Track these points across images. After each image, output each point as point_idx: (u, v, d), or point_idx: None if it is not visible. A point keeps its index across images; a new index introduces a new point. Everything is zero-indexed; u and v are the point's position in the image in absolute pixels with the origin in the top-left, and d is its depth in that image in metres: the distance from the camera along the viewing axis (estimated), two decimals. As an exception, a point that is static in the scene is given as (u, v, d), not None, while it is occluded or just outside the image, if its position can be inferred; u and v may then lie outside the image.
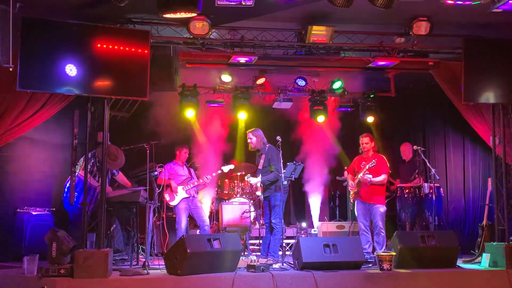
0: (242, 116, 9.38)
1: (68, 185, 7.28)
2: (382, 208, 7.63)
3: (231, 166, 8.82)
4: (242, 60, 7.44)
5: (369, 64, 7.72)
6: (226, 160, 9.71)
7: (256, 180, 7.67)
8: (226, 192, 9.48)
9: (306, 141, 10.27)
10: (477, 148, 9.38)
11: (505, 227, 7.11)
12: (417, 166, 9.01)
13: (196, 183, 8.40)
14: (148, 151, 7.27)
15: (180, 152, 8.50)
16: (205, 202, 9.60)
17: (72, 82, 6.10)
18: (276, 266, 6.66)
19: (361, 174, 7.62)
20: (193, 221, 8.56)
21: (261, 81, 9.00)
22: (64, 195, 7.30)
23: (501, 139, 7.33)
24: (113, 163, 7.40)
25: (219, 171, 8.74)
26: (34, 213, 7.64)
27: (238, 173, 9.30)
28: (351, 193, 7.97)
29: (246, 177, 8.33)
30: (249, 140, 7.78)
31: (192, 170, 8.71)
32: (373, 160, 7.55)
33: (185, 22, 6.78)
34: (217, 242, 6.24)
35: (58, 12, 6.47)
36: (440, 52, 7.82)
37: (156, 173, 7.87)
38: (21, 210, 7.61)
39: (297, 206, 10.90)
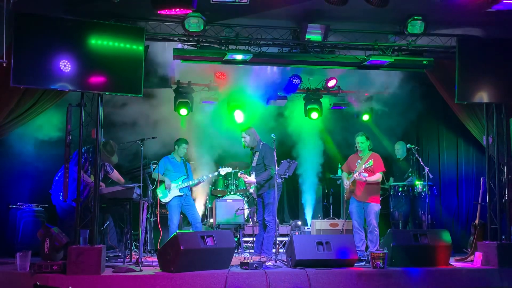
0: (238, 113, 9.37)
1: (56, 178, 7.24)
2: (376, 207, 7.67)
3: (229, 169, 8.74)
4: (237, 57, 7.43)
5: (363, 63, 7.73)
6: (221, 158, 9.69)
7: (251, 180, 7.65)
8: (220, 189, 9.47)
9: (300, 139, 10.27)
10: (470, 147, 9.40)
11: (497, 226, 7.14)
12: (411, 164, 9.05)
13: (191, 183, 8.35)
14: (142, 148, 7.25)
15: (178, 147, 8.43)
16: (199, 199, 9.59)
17: (66, 78, 6.08)
18: (269, 263, 6.68)
19: (356, 173, 7.63)
20: (186, 218, 8.54)
21: None
22: (52, 189, 7.27)
23: (494, 139, 7.37)
24: (109, 157, 7.37)
25: (216, 173, 8.70)
26: (27, 209, 7.61)
27: (232, 171, 9.29)
28: (346, 191, 7.98)
29: (239, 173, 8.32)
30: (242, 139, 7.75)
31: (189, 166, 8.62)
32: (370, 161, 7.56)
33: (180, 19, 6.77)
34: (210, 239, 6.23)
35: (53, 7, 6.44)
36: (434, 51, 7.83)
37: (150, 170, 7.86)
38: (14, 206, 7.58)
39: (291, 204, 10.90)
